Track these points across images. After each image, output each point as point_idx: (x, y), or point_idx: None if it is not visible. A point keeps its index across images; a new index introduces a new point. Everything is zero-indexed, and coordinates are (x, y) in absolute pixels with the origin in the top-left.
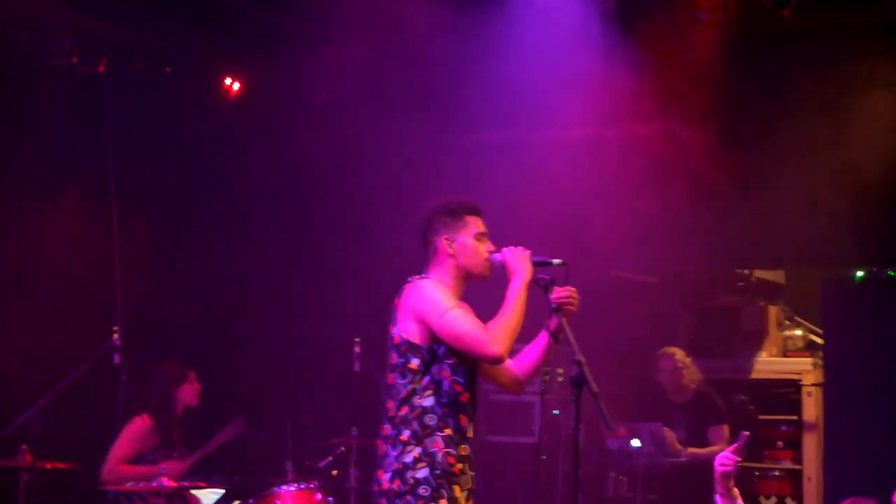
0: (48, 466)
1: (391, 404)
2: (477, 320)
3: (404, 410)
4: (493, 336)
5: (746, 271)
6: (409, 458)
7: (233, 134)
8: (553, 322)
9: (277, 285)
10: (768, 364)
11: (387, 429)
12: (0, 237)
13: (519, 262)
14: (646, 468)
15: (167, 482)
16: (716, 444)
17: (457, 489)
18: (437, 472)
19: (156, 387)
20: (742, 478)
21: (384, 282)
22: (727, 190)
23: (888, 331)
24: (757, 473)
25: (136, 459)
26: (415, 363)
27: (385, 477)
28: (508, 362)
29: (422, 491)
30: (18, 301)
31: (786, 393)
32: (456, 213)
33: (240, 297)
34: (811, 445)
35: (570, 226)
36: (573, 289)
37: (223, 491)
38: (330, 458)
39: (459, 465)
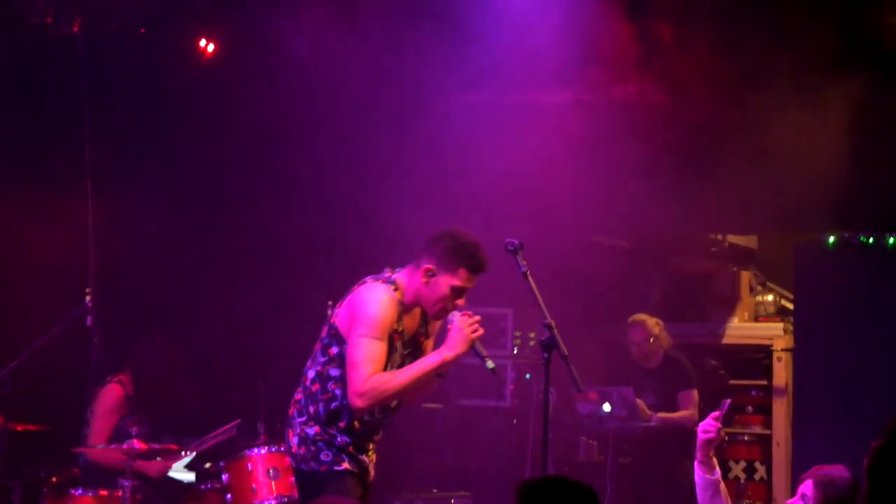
0: (19, 429)
1: (310, 374)
2: (378, 362)
3: (316, 387)
4: (368, 390)
5: (719, 236)
6: (311, 431)
7: (208, 96)
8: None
9: (252, 248)
10: (740, 329)
11: (298, 393)
12: None
13: (458, 340)
14: (616, 432)
15: (138, 444)
16: (685, 409)
17: (353, 460)
18: (336, 446)
19: (141, 353)
20: None
21: (359, 246)
22: (701, 155)
23: (859, 296)
24: (727, 438)
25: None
26: (334, 350)
27: (294, 441)
28: None
29: (323, 457)
30: None
31: (757, 358)
32: (456, 258)
33: (214, 260)
34: (780, 411)
35: (543, 189)
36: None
37: (194, 454)
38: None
39: (352, 448)
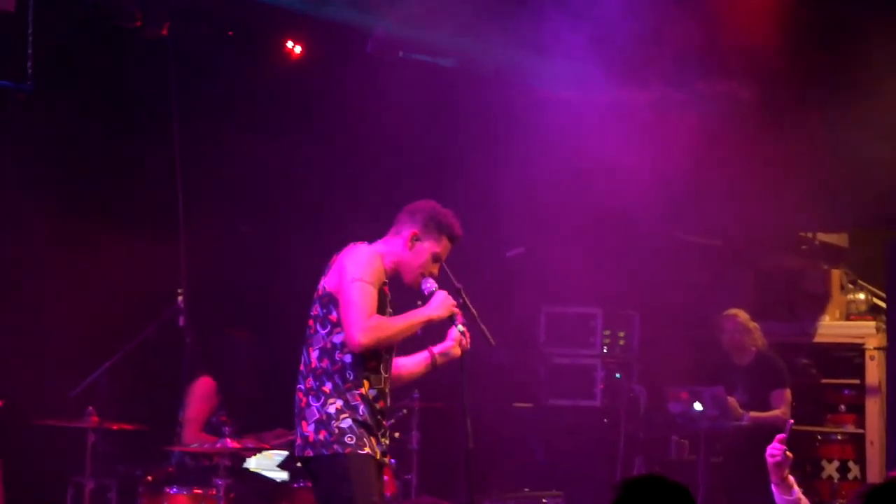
0: (114, 427)
1: (314, 354)
2: (374, 306)
3: (325, 363)
4: (370, 328)
5: (810, 234)
6: (332, 410)
7: (296, 97)
8: (439, 347)
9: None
10: (831, 328)
11: (309, 381)
12: (67, 195)
13: (442, 305)
14: (708, 431)
15: (231, 443)
16: (778, 408)
17: (373, 440)
18: (360, 420)
19: (226, 351)
20: (804, 441)
21: (464, 243)
22: (790, 152)
23: None
24: (819, 437)
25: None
26: (334, 316)
27: (309, 428)
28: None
29: (348, 439)
30: (85, 265)
31: (849, 357)
32: (440, 228)
33: (303, 261)
34: (874, 409)
35: (633, 189)
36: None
37: (286, 452)
38: (392, 420)
39: (372, 424)
